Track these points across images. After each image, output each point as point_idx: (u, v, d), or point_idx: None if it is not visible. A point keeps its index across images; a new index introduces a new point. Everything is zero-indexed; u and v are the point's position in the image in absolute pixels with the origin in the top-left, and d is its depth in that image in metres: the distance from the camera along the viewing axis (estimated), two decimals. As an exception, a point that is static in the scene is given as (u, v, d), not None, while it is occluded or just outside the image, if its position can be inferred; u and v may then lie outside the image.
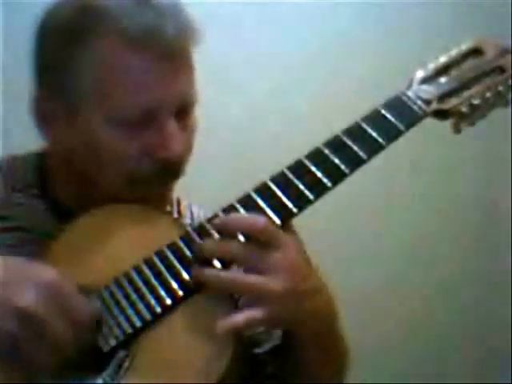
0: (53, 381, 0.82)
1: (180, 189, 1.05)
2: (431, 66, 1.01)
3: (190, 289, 0.87)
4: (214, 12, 1.76)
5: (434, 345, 2.21)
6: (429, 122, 1.00)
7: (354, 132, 0.95)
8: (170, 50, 0.90)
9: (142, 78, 0.90)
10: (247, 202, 0.91)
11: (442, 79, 1.00)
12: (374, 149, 0.94)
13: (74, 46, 0.91)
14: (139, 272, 0.88)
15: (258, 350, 1.04)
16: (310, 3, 2.01)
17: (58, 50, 0.92)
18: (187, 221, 1.08)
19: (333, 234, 2.05)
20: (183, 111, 0.94)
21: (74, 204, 0.98)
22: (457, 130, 1.00)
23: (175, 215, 1.08)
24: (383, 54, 2.09)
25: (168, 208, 1.07)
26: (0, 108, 1.60)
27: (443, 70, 1.00)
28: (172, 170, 0.94)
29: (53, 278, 0.79)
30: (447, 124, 1.01)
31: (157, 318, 0.86)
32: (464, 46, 1.02)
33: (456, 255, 2.22)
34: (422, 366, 2.20)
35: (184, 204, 1.11)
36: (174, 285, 0.87)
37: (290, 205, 0.91)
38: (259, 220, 0.86)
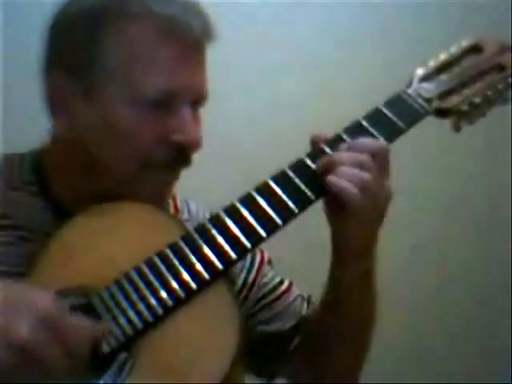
0: (52, 381, 0.82)
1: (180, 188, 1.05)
2: (431, 64, 1.00)
3: (192, 290, 0.86)
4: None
5: (434, 345, 2.21)
6: (429, 119, 1.00)
7: (355, 130, 0.94)
8: (194, 43, 0.94)
9: (166, 63, 0.92)
10: (249, 202, 0.91)
11: (442, 77, 0.99)
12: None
13: (100, 28, 0.92)
14: (140, 273, 0.87)
15: (283, 327, 1.08)
16: (314, 3, 2.02)
17: (83, 32, 0.93)
18: (185, 216, 1.08)
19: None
20: (197, 103, 0.97)
21: (74, 200, 0.97)
22: (457, 128, 0.99)
23: (171, 210, 1.07)
24: (385, 54, 2.09)
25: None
26: (0, 108, 1.59)
27: (443, 67, 1.00)
28: (185, 156, 0.95)
29: (47, 306, 0.78)
30: (447, 122, 1.00)
31: (158, 320, 0.85)
32: (463, 44, 1.01)
33: (456, 255, 2.22)
34: (421, 366, 2.20)
35: (180, 199, 1.11)
36: (176, 286, 0.86)
37: (291, 205, 0.91)
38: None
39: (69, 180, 0.98)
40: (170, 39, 0.92)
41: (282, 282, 1.11)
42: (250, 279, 1.08)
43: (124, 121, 0.92)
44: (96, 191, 0.95)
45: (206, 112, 1.00)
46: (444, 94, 0.98)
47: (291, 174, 0.92)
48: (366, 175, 0.89)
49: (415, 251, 2.18)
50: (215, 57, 0.98)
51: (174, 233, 0.90)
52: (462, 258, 2.22)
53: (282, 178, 0.92)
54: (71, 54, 0.95)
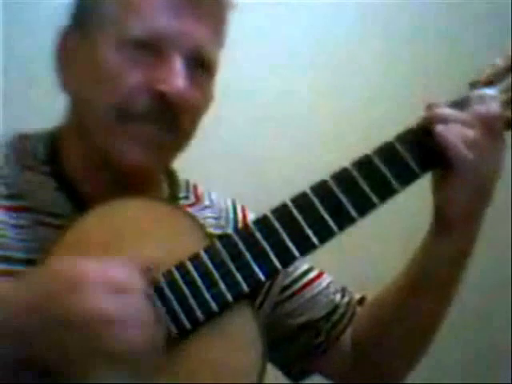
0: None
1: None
2: (497, 64, 0.93)
3: (212, 311, 0.81)
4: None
5: (434, 344, 2.20)
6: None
7: (408, 140, 0.88)
8: None
9: (161, 8, 0.89)
10: (283, 214, 0.83)
11: (508, 80, 0.91)
12: (430, 162, 0.88)
13: None
14: (157, 290, 0.81)
15: (314, 317, 1.03)
16: (321, 3, 2.01)
17: None
18: (206, 203, 1.05)
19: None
20: (197, 63, 0.91)
21: (84, 178, 0.94)
22: None
23: (192, 199, 1.04)
24: (391, 59, 2.10)
25: (183, 193, 1.03)
26: (0, 108, 1.58)
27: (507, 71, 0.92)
28: (168, 110, 0.89)
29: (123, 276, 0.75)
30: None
31: (173, 343, 0.80)
32: None
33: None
34: (421, 365, 2.19)
35: (201, 189, 1.07)
36: (195, 307, 0.81)
37: (330, 223, 0.83)
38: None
39: (77, 153, 0.95)
40: None
41: (310, 270, 1.06)
42: None
43: (108, 63, 0.89)
44: (94, 160, 0.93)
45: (210, 114, 0.98)
46: (510, 102, 0.90)
47: (313, 195, 0.84)
48: (471, 133, 0.86)
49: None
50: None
51: (196, 236, 0.85)
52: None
53: (320, 190, 0.84)
54: (79, 9, 0.95)
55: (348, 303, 1.07)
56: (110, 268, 0.76)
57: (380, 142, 0.88)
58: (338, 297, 1.06)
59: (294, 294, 1.04)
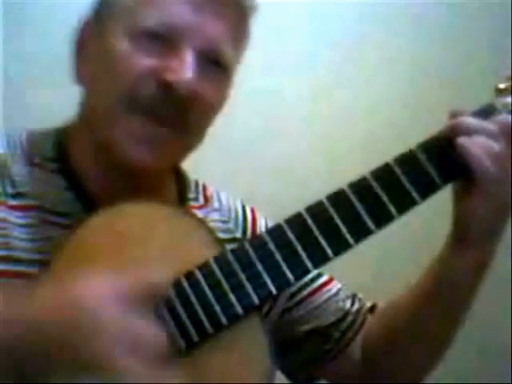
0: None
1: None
2: None
3: (222, 324, 0.78)
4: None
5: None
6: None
7: (430, 150, 0.84)
8: None
9: (177, 2, 0.89)
10: (297, 224, 0.81)
11: None
12: (452, 173, 0.85)
13: None
14: (167, 301, 0.78)
15: (322, 323, 1.02)
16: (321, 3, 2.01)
17: None
18: (215, 205, 1.04)
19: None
20: (210, 61, 0.90)
21: (92, 177, 0.93)
22: None
23: (201, 201, 1.03)
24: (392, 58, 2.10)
25: (192, 194, 1.02)
26: (0, 108, 1.57)
27: None
28: (173, 102, 0.87)
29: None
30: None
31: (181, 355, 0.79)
32: None
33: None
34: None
35: (210, 190, 1.06)
36: (204, 319, 0.79)
37: (348, 237, 0.80)
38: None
39: (84, 153, 0.93)
40: None
41: (319, 275, 1.04)
42: None
43: (120, 52, 0.88)
44: (102, 159, 0.91)
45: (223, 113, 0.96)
46: None
47: (329, 205, 0.81)
48: (496, 145, 0.83)
49: (415, 253, 2.16)
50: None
51: (204, 241, 0.84)
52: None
53: (337, 199, 0.81)
54: (98, 2, 0.94)
55: (358, 310, 1.05)
56: (130, 319, 0.74)
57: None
58: (347, 304, 1.05)
59: (302, 301, 1.03)
